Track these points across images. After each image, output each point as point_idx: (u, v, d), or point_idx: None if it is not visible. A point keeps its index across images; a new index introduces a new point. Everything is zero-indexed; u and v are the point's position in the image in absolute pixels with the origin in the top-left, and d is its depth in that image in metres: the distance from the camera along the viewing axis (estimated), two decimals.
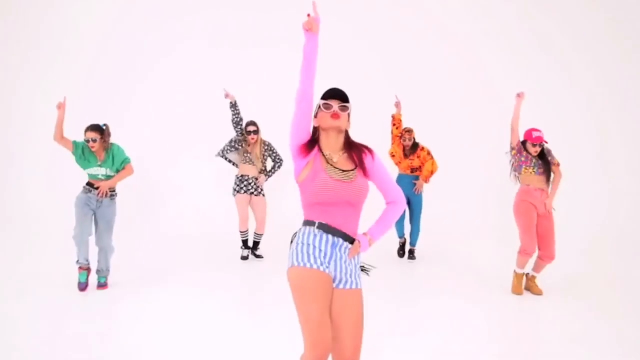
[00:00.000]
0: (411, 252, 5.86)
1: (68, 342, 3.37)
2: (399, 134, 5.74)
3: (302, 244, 2.08)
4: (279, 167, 5.79)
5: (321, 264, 2.03)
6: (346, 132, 2.23)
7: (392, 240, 6.17)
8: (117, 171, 4.55)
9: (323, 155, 2.15)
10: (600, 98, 7.48)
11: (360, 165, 2.16)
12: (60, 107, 4.62)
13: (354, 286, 2.11)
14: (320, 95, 2.18)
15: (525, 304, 4.42)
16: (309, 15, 2.16)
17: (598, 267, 5.70)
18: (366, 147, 2.23)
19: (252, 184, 5.64)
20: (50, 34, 7.81)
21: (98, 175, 4.49)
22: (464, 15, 7.76)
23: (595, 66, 7.49)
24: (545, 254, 4.56)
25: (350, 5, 7.52)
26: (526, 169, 4.56)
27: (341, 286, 2.10)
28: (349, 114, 2.20)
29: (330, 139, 2.18)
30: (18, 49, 7.87)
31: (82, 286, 4.47)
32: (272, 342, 3.37)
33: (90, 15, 7.84)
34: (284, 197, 7.22)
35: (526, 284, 4.70)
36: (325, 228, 2.09)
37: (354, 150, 2.19)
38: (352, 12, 7.55)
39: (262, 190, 5.70)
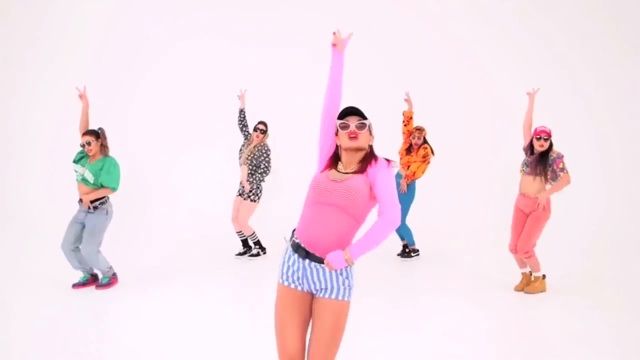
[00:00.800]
0: (413, 251, 5.85)
1: (67, 342, 3.37)
2: (408, 132, 5.75)
3: (283, 260, 2.20)
4: (263, 173, 5.59)
5: (293, 282, 2.14)
6: (370, 147, 2.21)
7: (392, 240, 6.16)
8: (98, 181, 4.40)
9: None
10: (600, 98, 7.47)
11: (362, 170, 2.12)
12: (82, 97, 4.63)
13: (327, 295, 2.08)
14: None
15: (525, 303, 4.42)
16: (334, 33, 2.23)
17: (598, 267, 5.69)
18: (377, 158, 2.16)
19: (241, 187, 5.70)
20: (48, 33, 7.79)
21: (77, 174, 4.44)
22: (465, 16, 7.76)
23: (595, 66, 7.48)
24: (519, 247, 4.60)
25: (354, 6, 7.52)
26: (521, 166, 4.64)
27: (320, 295, 2.12)
28: (370, 129, 2.19)
29: (349, 156, 2.17)
30: (16, 49, 7.85)
31: (76, 284, 4.50)
32: (271, 342, 3.36)
33: (88, 14, 7.81)
34: (282, 197, 7.23)
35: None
36: (295, 247, 2.15)
37: (364, 160, 2.15)
38: (355, 12, 7.54)
39: (250, 194, 5.61)
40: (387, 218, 2.02)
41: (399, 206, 2.06)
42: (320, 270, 2.09)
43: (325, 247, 2.07)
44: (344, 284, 2.10)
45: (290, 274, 2.14)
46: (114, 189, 4.44)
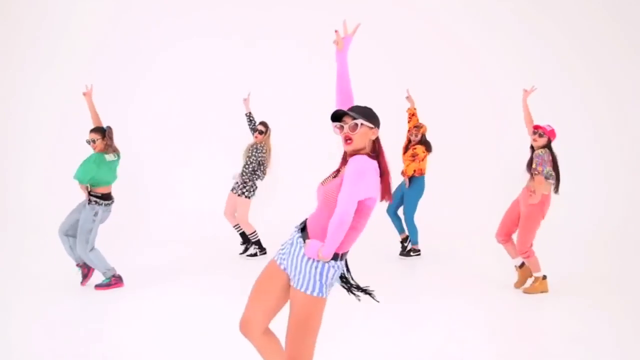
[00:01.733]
0: (413, 250, 5.84)
1: (67, 342, 3.37)
2: (410, 128, 5.78)
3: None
4: (258, 173, 5.58)
5: (279, 256, 2.25)
6: (375, 143, 2.14)
7: (392, 240, 6.17)
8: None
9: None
10: (600, 98, 7.47)
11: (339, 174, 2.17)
12: (86, 94, 4.57)
13: (294, 284, 2.12)
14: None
15: (525, 303, 4.42)
16: (336, 31, 2.24)
17: (598, 267, 5.69)
18: (354, 156, 2.09)
19: (236, 183, 5.70)
20: (48, 33, 7.78)
21: None
22: (465, 16, 7.76)
23: (595, 66, 7.48)
24: (517, 249, 4.62)
25: (355, 6, 7.52)
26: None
27: (292, 283, 2.16)
28: (370, 127, 2.10)
29: (349, 155, 2.16)
30: (17, 48, 7.85)
31: (81, 282, 4.55)
32: None
33: (88, 14, 7.81)
34: (282, 197, 7.23)
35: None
36: (301, 223, 2.26)
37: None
38: (356, 12, 7.54)
39: (242, 190, 5.61)
40: (334, 215, 1.99)
41: (346, 203, 1.97)
42: (296, 252, 2.15)
43: (313, 234, 2.14)
44: (316, 277, 2.07)
45: (281, 250, 2.26)
46: (76, 178, 4.26)
